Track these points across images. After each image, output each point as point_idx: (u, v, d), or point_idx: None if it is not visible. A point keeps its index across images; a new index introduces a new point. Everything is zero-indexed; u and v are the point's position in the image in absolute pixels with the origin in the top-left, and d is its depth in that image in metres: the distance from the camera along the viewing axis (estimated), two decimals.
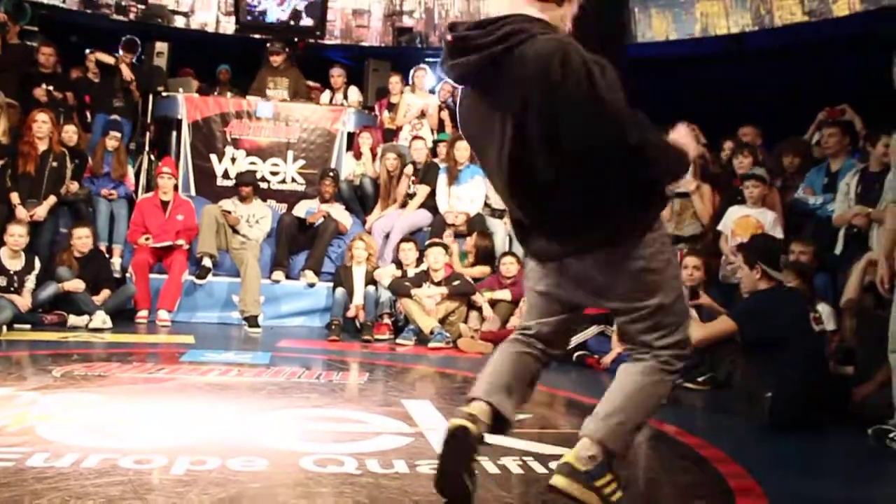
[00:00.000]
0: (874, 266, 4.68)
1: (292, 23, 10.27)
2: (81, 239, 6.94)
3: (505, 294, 6.88)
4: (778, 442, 3.95)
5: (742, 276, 4.67)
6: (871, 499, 3.32)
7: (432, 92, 9.54)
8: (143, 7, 10.43)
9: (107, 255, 7.62)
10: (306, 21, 10.29)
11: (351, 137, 9.07)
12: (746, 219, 5.99)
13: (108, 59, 8.99)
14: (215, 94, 9.37)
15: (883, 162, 5.21)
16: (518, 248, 7.42)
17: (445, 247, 7.23)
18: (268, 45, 9.69)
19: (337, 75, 9.70)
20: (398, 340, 6.85)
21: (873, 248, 4.97)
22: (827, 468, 3.63)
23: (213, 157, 8.79)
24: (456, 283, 6.91)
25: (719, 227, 6.12)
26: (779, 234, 5.82)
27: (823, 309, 5.04)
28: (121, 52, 9.08)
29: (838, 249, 5.53)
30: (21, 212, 6.90)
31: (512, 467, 3.08)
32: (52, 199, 7.12)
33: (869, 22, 8.14)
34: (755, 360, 4.28)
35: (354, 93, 9.75)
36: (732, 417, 4.48)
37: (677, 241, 6.27)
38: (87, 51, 9.12)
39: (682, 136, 2.47)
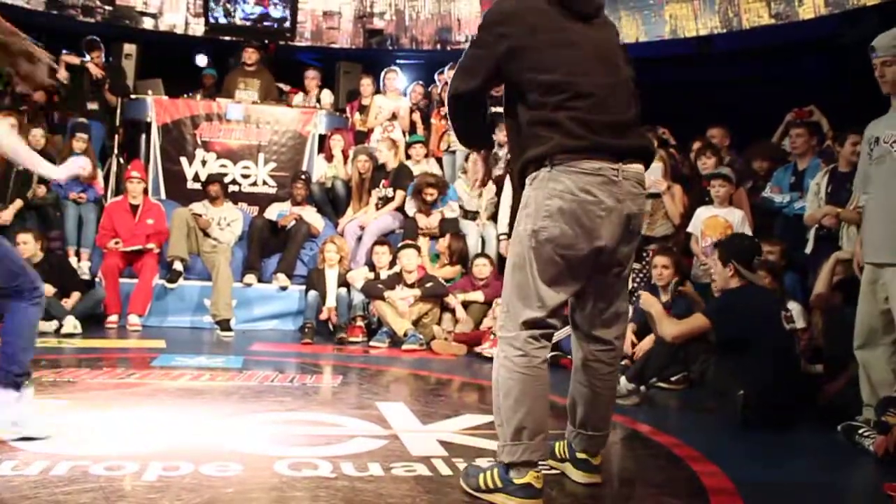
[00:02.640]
0: (842, 264, 4.76)
1: (262, 24, 10.22)
2: (22, 245, 6.53)
3: (478, 296, 6.88)
4: (751, 439, 3.99)
5: (715, 272, 4.71)
6: (842, 494, 3.37)
7: (403, 94, 9.54)
8: (110, 9, 10.31)
9: (75, 259, 7.54)
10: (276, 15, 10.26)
11: (322, 140, 9.03)
12: (715, 219, 6.04)
13: (74, 60, 8.89)
14: (185, 96, 9.29)
15: (852, 161, 5.28)
16: (491, 251, 7.45)
17: (418, 248, 7.23)
18: (244, 43, 9.63)
19: (311, 77, 9.67)
20: (371, 343, 6.81)
21: (843, 247, 5.04)
22: (799, 465, 3.67)
23: (183, 160, 8.70)
24: (429, 284, 6.91)
25: (689, 229, 6.16)
26: (747, 232, 5.88)
27: (794, 307, 5.10)
28: (86, 54, 8.99)
29: (809, 249, 5.59)
30: None
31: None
32: (18, 203, 7.02)
33: (834, 24, 8.26)
34: (727, 358, 4.32)
35: (327, 95, 9.72)
36: (706, 416, 4.52)
37: (648, 242, 6.31)
38: (64, 52, 8.98)
39: None
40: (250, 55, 9.47)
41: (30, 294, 3.17)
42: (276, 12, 10.31)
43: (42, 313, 3.29)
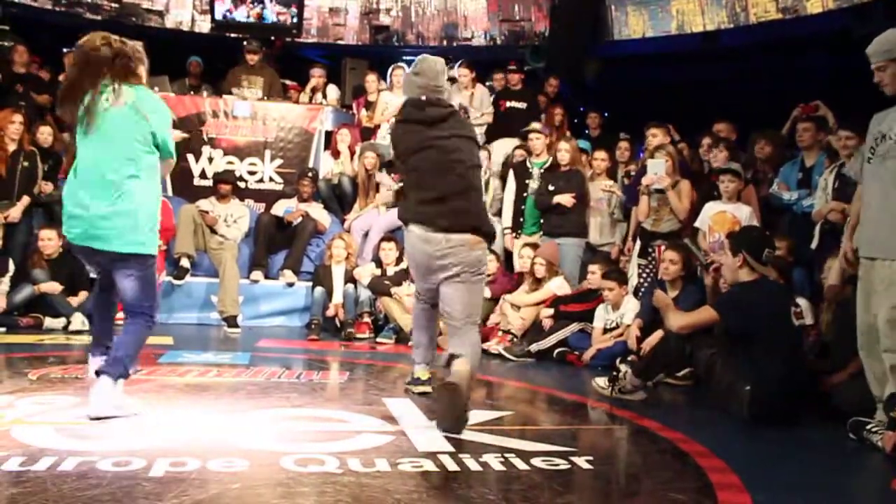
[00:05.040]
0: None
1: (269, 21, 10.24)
2: (46, 241, 6.73)
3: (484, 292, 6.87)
4: (757, 435, 3.98)
5: (724, 263, 4.67)
6: (849, 490, 3.36)
7: None
8: (116, 6, 10.34)
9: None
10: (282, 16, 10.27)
11: (329, 136, 9.02)
12: (722, 214, 5.99)
13: None
14: (188, 87, 9.26)
15: (846, 155, 5.32)
16: (497, 247, 7.44)
17: None
18: (245, 42, 9.62)
19: (318, 76, 9.65)
20: (378, 339, 6.83)
21: None
22: (806, 461, 3.65)
23: (190, 156, 8.69)
24: None
25: (696, 224, 6.12)
26: None
27: (803, 303, 5.08)
28: None
29: (814, 244, 5.57)
30: None
31: (494, 464, 3.08)
32: (25, 200, 7.01)
33: (842, 19, 8.22)
34: (734, 353, 4.30)
35: (333, 91, 9.71)
36: (712, 412, 4.50)
37: (654, 238, 6.29)
38: (65, 50, 9.00)
39: None
40: (252, 56, 9.44)
41: (146, 318, 3.73)
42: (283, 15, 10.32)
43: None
